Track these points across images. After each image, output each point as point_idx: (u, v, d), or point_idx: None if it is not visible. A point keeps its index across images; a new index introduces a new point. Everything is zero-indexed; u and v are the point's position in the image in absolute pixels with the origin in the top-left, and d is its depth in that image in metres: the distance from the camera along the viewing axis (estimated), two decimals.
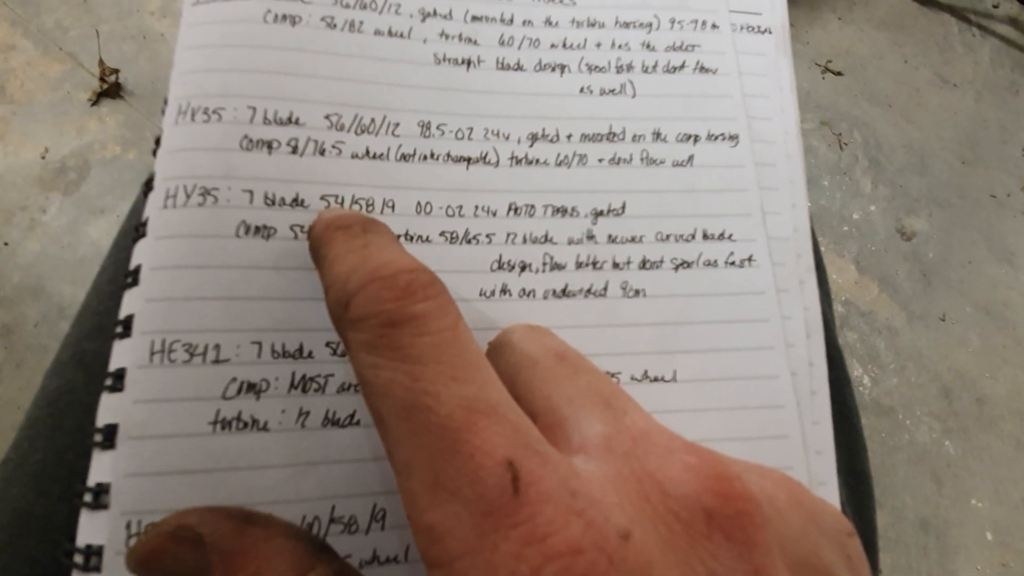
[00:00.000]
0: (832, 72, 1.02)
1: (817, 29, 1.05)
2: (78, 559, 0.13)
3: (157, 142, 0.17)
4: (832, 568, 0.10)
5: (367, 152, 0.17)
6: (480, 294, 0.16)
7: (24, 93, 0.88)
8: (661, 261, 0.18)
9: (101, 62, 0.89)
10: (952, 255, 0.90)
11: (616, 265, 0.17)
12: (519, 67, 0.19)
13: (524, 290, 0.17)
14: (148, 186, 0.16)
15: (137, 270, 0.15)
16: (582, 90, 0.19)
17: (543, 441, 0.10)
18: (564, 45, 0.19)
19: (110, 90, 0.88)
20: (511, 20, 0.19)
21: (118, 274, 0.21)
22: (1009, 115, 1.02)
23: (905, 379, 0.82)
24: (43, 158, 0.85)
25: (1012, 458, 0.79)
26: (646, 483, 0.10)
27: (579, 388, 0.12)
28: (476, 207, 0.17)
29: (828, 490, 0.17)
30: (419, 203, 0.17)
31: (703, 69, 0.20)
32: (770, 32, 0.21)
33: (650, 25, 0.20)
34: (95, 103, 0.88)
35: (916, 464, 0.77)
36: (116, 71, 0.89)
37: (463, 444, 0.09)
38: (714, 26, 0.20)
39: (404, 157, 0.17)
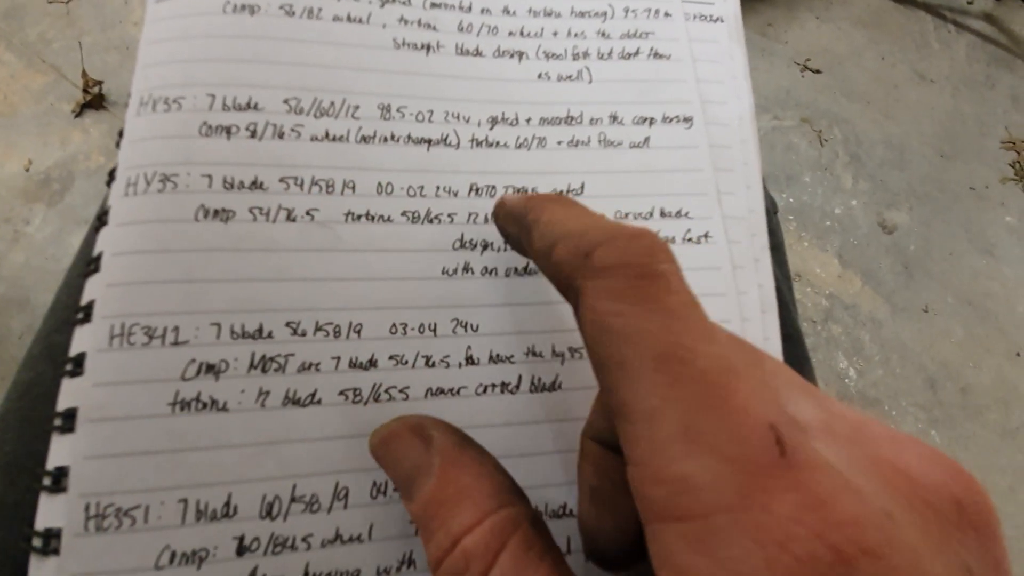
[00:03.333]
0: (811, 70, 1.03)
1: (795, 28, 1.07)
2: (36, 543, 0.13)
3: (121, 135, 0.17)
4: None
5: (327, 135, 0.17)
6: (443, 272, 0.17)
7: (7, 105, 0.88)
8: None
9: (84, 73, 0.89)
10: (933, 247, 0.91)
11: None
12: (478, 53, 0.19)
13: (486, 268, 0.17)
14: (111, 177, 0.17)
15: (99, 257, 0.15)
16: (540, 76, 0.19)
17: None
18: (522, 33, 0.20)
19: (93, 101, 0.88)
20: (469, 8, 0.19)
21: None
22: (985, 109, 1.03)
23: (890, 370, 0.82)
24: (27, 170, 0.85)
25: (997, 446, 0.79)
26: (886, 469, 0.10)
27: (768, 371, 0.12)
28: (437, 187, 0.17)
29: None
30: (380, 184, 0.17)
31: (657, 55, 0.20)
32: (722, 21, 0.21)
33: (604, 14, 0.20)
34: (79, 114, 0.88)
35: None
36: (99, 82, 0.89)
37: (723, 400, 0.09)
38: (667, 14, 0.21)
39: (364, 139, 0.17)
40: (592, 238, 0.12)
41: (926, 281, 0.88)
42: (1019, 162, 0.99)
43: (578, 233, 0.12)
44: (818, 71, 1.03)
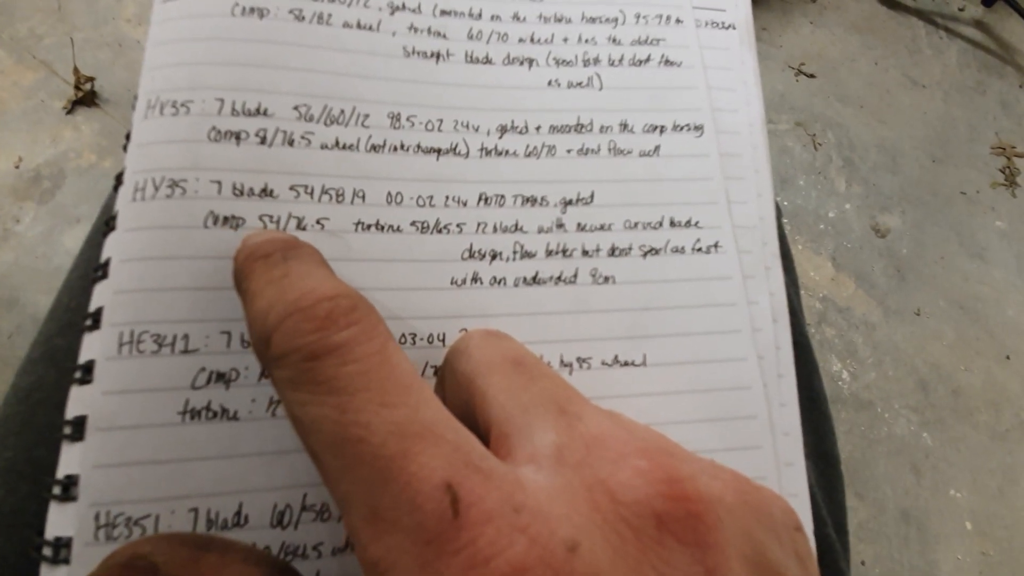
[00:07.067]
0: (805, 75, 1.04)
1: (790, 33, 1.08)
2: (47, 552, 0.13)
3: (128, 138, 0.17)
4: (783, 564, 0.10)
5: (337, 143, 0.17)
6: (451, 282, 0.17)
7: None
8: (630, 248, 0.18)
9: (76, 70, 0.88)
10: (925, 251, 0.92)
11: (585, 252, 0.18)
12: (488, 61, 0.19)
13: (495, 278, 0.17)
14: (118, 181, 0.16)
15: (107, 263, 0.15)
16: (550, 83, 0.19)
17: (487, 456, 0.10)
18: (532, 40, 0.19)
19: (85, 98, 0.87)
20: (479, 15, 0.19)
21: (89, 270, 0.21)
22: (976, 114, 1.05)
23: (883, 373, 0.83)
24: (17, 167, 0.83)
25: (988, 448, 0.80)
26: (596, 491, 0.10)
27: (533, 395, 0.12)
28: (447, 197, 0.17)
29: (795, 471, 0.17)
30: (390, 193, 0.17)
31: (668, 62, 0.20)
32: (734, 28, 0.21)
33: (616, 20, 0.20)
34: (70, 111, 0.87)
35: (895, 456, 0.79)
36: (91, 79, 0.88)
37: (398, 472, 0.09)
38: (678, 21, 0.21)
39: (374, 148, 0.17)
40: (271, 321, 0.11)
41: (918, 284, 0.89)
42: (1008, 167, 1.00)
43: (262, 315, 0.12)
44: (812, 75, 1.04)
